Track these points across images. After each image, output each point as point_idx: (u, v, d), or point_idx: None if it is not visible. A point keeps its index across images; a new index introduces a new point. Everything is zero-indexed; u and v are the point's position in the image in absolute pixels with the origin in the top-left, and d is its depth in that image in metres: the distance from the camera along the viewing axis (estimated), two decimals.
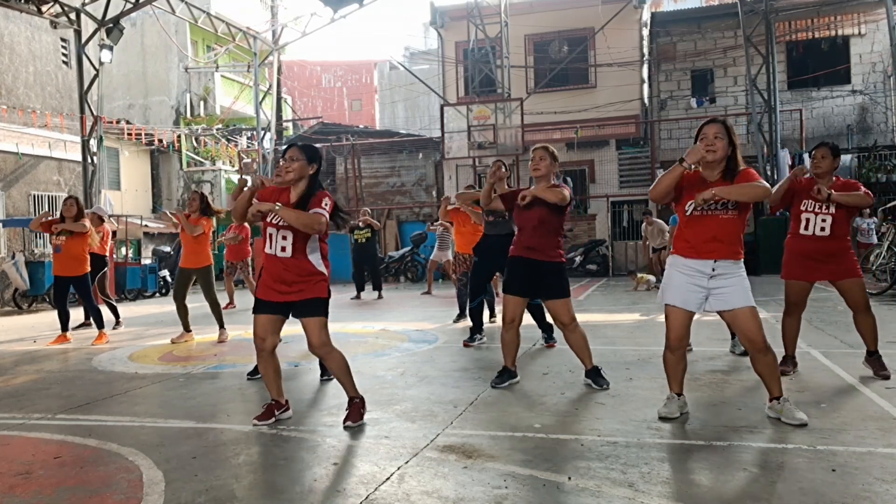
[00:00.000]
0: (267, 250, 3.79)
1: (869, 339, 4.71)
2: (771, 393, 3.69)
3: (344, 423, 3.78)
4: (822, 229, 4.59)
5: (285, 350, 6.21)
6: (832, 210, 4.57)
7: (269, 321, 3.81)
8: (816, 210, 4.61)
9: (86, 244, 7.63)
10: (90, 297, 7.73)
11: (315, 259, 3.82)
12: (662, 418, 3.72)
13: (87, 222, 7.67)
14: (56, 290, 7.80)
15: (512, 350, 4.74)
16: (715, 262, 3.58)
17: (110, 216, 15.68)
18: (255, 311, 3.84)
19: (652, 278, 12.57)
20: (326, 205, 3.70)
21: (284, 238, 3.73)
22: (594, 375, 4.63)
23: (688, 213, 3.64)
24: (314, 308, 3.77)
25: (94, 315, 7.77)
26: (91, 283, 7.84)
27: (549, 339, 6.38)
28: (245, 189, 3.90)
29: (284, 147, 4.19)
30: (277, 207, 3.64)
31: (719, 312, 3.69)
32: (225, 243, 11.35)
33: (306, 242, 3.78)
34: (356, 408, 3.85)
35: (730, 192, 3.48)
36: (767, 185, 3.55)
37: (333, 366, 3.84)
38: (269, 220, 3.75)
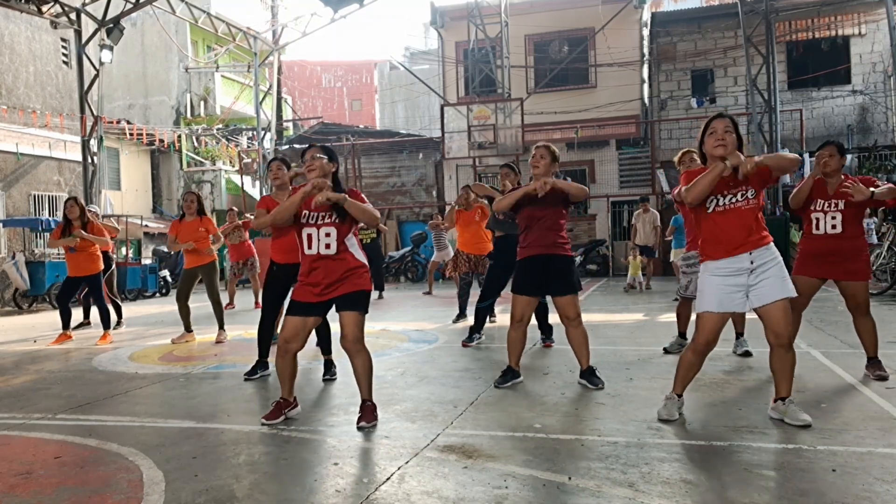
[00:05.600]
0: (307, 252, 3.73)
1: (869, 344, 4.70)
2: (779, 392, 3.66)
3: (358, 423, 3.77)
4: (833, 227, 4.58)
5: None
6: (841, 207, 4.57)
7: (301, 324, 3.77)
8: (825, 209, 4.61)
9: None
10: (101, 295, 7.71)
11: (356, 251, 3.80)
12: (662, 420, 3.73)
13: (105, 231, 7.86)
14: (64, 289, 7.81)
15: (517, 349, 4.74)
16: (751, 253, 3.55)
17: (110, 216, 15.72)
18: (289, 312, 3.81)
19: (639, 276, 12.59)
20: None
21: (328, 235, 3.70)
22: (588, 375, 4.63)
23: (709, 210, 3.62)
24: (356, 301, 3.74)
25: (102, 314, 7.74)
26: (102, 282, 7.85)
27: (546, 340, 6.38)
28: (297, 193, 3.77)
29: (302, 149, 4.13)
30: (345, 197, 3.62)
31: (756, 309, 3.62)
32: (227, 244, 11.21)
33: (347, 236, 3.76)
34: (370, 409, 3.83)
35: (773, 160, 3.49)
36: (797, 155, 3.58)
37: (359, 365, 3.79)
38: (306, 220, 3.71)
